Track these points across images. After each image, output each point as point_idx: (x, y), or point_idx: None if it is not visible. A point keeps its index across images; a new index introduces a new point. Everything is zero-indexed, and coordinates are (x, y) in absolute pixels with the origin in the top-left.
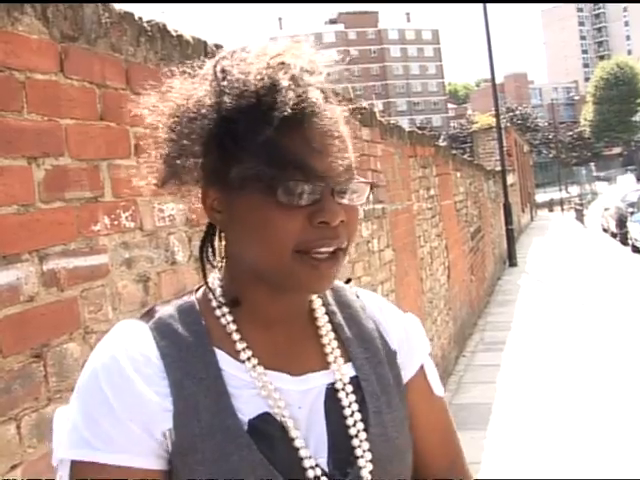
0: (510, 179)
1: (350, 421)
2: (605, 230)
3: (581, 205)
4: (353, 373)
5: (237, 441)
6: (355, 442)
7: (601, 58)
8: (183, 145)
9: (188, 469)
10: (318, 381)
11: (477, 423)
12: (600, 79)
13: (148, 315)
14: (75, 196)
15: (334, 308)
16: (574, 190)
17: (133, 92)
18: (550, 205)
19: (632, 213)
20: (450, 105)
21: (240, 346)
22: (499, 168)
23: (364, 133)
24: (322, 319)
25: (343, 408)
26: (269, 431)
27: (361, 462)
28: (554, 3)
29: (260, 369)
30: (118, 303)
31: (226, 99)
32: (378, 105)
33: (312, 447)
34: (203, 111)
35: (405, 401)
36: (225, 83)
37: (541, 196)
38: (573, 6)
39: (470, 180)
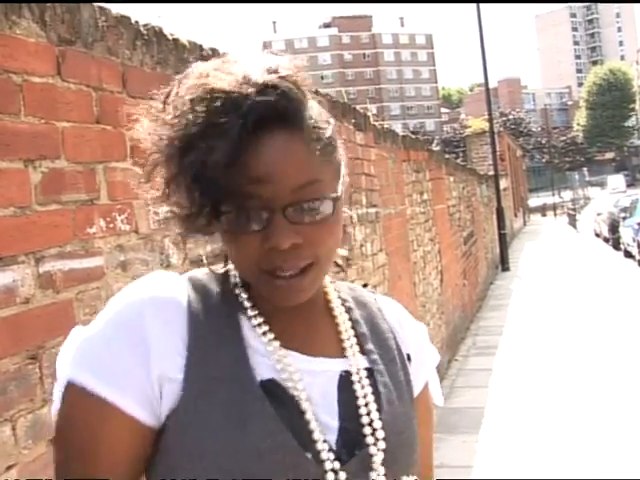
0: (503, 184)
1: (363, 409)
2: (597, 235)
3: (574, 210)
4: (367, 364)
5: (251, 392)
6: (367, 430)
7: (594, 63)
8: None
9: (197, 413)
10: (332, 366)
11: (469, 427)
12: (593, 84)
13: (184, 273)
14: (71, 199)
15: (352, 305)
16: (567, 195)
17: (129, 95)
18: (543, 210)
19: (624, 218)
20: (443, 109)
21: (256, 321)
22: (492, 173)
23: (358, 137)
24: (339, 310)
25: (356, 394)
26: (279, 394)
27: (373, 449)
28: (549, 4)
29: (276, 344)
30: None
31: (173, 135)
32: (372, 109)
33: (321, 424)
34: (162, 142)
35: (413, 404)
36: (169, 118)
37: (534, 201)
38: (567, 12)
39: (463, 184)
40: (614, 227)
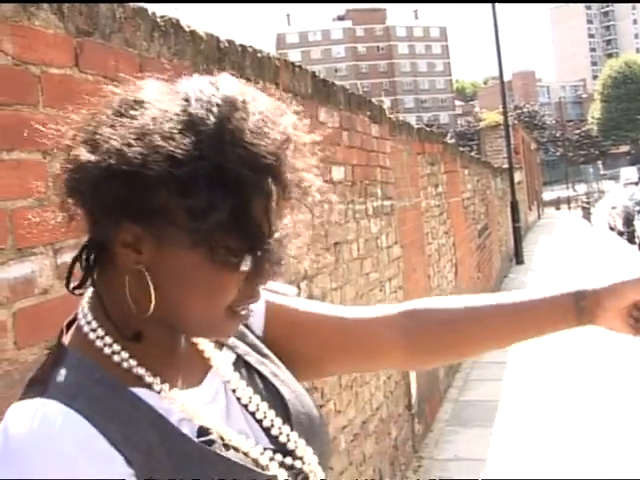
0: (517, 177)
1: (263, 405)
2: (612, 228)
3: (588, 203)
4: (233, 355)
5: (208, 459)
6: (266, 422)
7: (609, 56)
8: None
9: None
10: (216, 383)
11: (483, 420)
12: (608, 77)
13: (40, 389)
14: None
15: None
16: (581, 188)
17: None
18: (557, 203)
19: (639, 211)
20: (457, 102)
21: (148, 377)
22: (506, 166)
23: (373, 130)
24: None
25: (245, 390)
26: (215, 442)
27: (293, 435)
28: (562, 2)
29: (175, 391)
30: None
31: (204, 162)
32: (386, 102)
33: (252, 439)
34: (175, 154)
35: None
36: (210, 147)
37: (548, 194)
38: (582, 4)
39: (478, 177)
40: (629, 220)
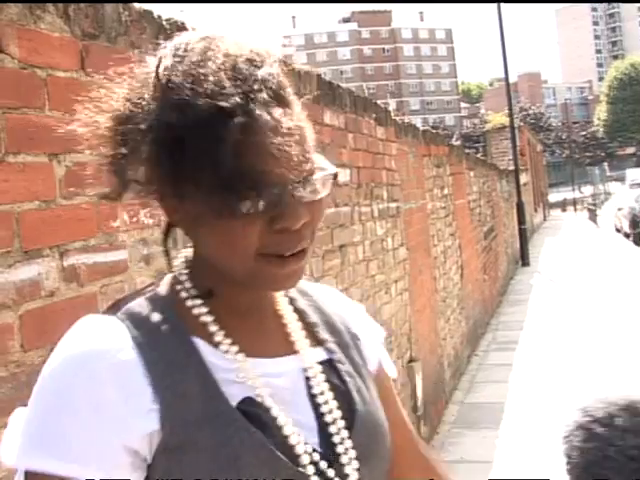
0: (523, 179)
1: (324, 406)
2: (618, 230)
3: (594, 205)
4: (325, 356)
5: (234, 424)
6: (333, 428)
7: (615, 58)
8: (129, 154)
9: (183, 462)
10: (294, 364)
11: (489, 422)
12: (614, 79)
13: (113, 308)
14: (95, 192)
15: (295, 295)
16: (587, 190)
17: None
18: (563, 205)
19: None
20: (463, 104)
21: (219, 336)
22: (512, 168)
23: (379, 132)
24: (284, 306)
25: (322, 387)
26: (259, 414)
27: (348, 443)
28: (568, 3)
29: (241, 357)
30: None
31: (171, 114)
32: (391, 104)
33: (302, 430)
34: (149, 118)
35: (373, 382)
36: (170, 93)
37: (554, 196)
38: (587, 5)
39: (483, 179)
40: (635, 222)
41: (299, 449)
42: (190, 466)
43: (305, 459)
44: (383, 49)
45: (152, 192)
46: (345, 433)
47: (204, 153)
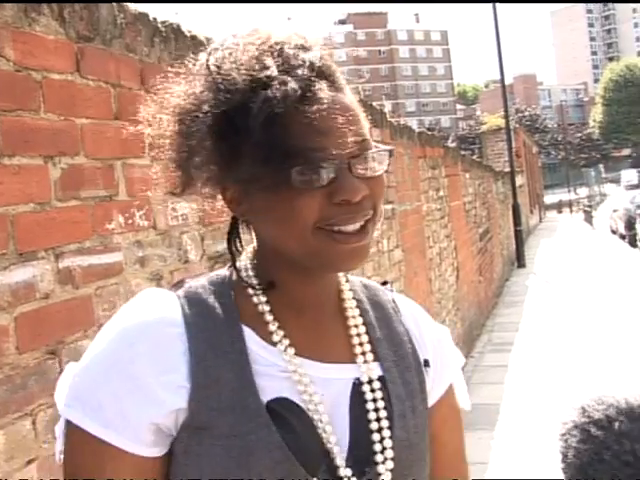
0: (519, 180)
1: (374, 422)
2: (614, 232)
3: (590, 207)
4: (380, 373)
5: (256, 420)
6: (377, 447)
7: (610, 60)
8: (191, 145)
9: (201, 444)
10: (344, 373)
11: (485, 423)
12: (609, 81)
13: (177, 285)
14: (90, 195)
15: (367, 306)
16: (583, 192)
17: (147, 92)
18: (559, 206)
19: None
20: (459, 106)
21: (273, 327)
22: (508, 169)
23: (374, 134)
24: (352, 311)
25: (367, 405)
26: (287, 415)
27: (381, 468)
28: (564, 4)
29: (291, 352)
30: None
31: (220, 95)
32: (387, 106)
33: (333, 439)
34: (204, 108)
35: (426, 411)
36: (218, 77)
37: (550, 197)
38: (582, 7)
39: (479, 181)
40: (630, 224)
41: (333, 452)
42: (206, 449)
43: (337, 463)
44: (379, 51)
45: (216, 185)
46: (379, 457)
47: (252, 128)
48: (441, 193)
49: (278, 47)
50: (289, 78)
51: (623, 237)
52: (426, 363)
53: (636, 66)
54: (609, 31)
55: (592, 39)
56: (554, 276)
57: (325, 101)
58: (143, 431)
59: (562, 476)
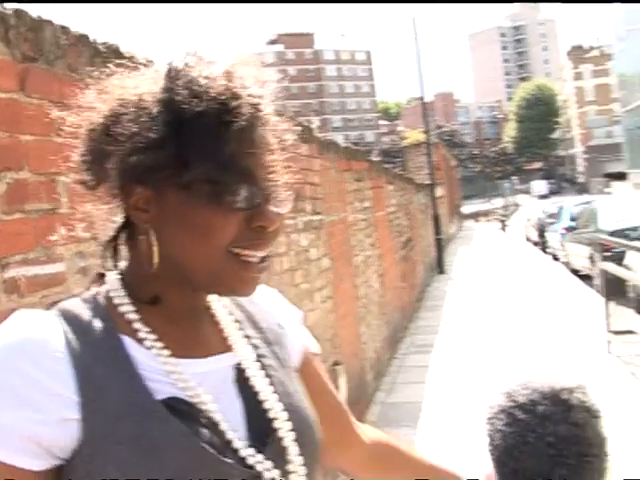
0: (438, 192)
1: (261, 394)
2: (528, 239)
3: (504, 216)
4: (253, 353)
5: (155, 415)
6: (272, 413)
7: (522, 79)
8: (121, 139)
9: (107, 453)
10: (223, 362)
11: (409, 421)
12: (522, 99)
13: (51, 305)
14: (34, 208)
15: (229, 302)
16: (498, 202)
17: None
18: (476, 216)
19: (551, 224)
20: (382, 122)
21: (143, 334)
22: (428, 181)
23: (303, 149)
24: (216, 305)
25: (250, 383)
26: (183, 409)
27: (281, 432)
28: (480, 27)
29: (166, 353)
30: None
31: (181, 99)
32: (315, 122)
33: (229, 423)
34: (152, 110)
35: (297, 373)
36: (181, 83)
37: (467, 207)
38: (497, 31)
39: (402, 193)
40: (542, 232)
41: (228, 437)
42: (113, 457)
43: (236, 446)
44: (307, 69)
45: (127, 185)
46: (276, 424)
47: (209, 139)
48: (366, 204)
49: (241, 77)
50: (256, 102)
51: (536, 244)
52: (280, 326)
53: (545, 86)
54: (521, 53)
55: (506, 60)
56: (472, 281)
57: (273, 136)
58: (25, 442)
59: (488, 457)
